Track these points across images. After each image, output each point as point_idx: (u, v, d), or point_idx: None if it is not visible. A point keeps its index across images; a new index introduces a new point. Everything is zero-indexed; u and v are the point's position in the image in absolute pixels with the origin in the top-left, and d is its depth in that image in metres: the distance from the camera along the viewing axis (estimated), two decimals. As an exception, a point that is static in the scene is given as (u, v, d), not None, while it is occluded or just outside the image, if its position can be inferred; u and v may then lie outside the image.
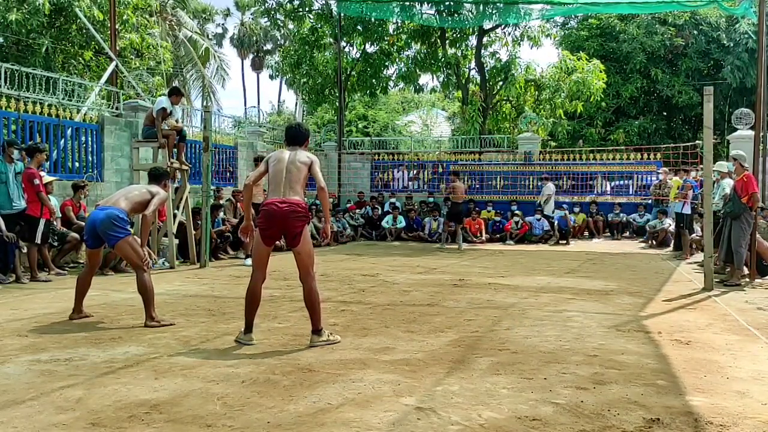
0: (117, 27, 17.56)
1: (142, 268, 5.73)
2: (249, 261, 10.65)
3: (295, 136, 5.17)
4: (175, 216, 10.69)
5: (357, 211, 18.15)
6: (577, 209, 17.68)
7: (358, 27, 21.92)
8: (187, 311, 6.36)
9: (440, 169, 20.32)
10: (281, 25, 27.06)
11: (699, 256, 11.29)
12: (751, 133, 13.55)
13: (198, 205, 11.40)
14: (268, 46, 49.26)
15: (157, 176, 6.40)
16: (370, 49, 23.06)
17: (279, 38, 45.94)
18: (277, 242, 5.18)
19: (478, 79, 23.06)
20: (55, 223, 9.47)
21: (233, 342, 4.94)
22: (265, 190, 11.66)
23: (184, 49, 30.42)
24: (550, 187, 17.24)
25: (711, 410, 3.43)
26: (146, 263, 5.81)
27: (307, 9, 23.20)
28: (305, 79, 24.34)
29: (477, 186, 19.81)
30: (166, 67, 22.39)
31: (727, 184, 9.35)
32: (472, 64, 23.32)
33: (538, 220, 16.62)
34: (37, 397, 3.59)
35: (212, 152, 12.53)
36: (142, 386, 3.79)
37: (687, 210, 12.45)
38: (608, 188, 19.14)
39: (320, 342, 4.84)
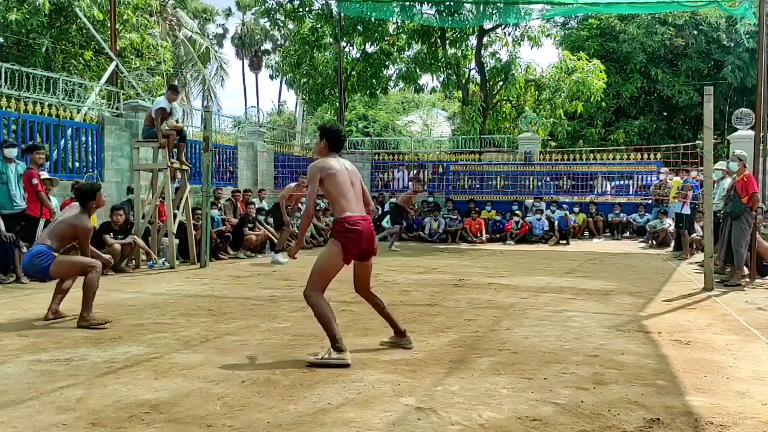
0: (117, 27, 17.58)
1: (92, 269, 5.65)
2: (280, 257, 11.10)
3: (342, 142, 4.73)
4: (175, 216, 10.68)
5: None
6: (577, 209, 17.69)
7: (358, 27, 21.93)
8: (187, 311, 6.36)
9: (440, 169, 20.32)
10: (281, 25, 27.06)
11: (699, 256, 11.28)
12: (752, 133, 13.54)
13: (198, 205, 11.40)
14: (268, 46, 49.25)
15: (82, 196, 5.81)
16: (370, 49, 23.07)
17: (279, 38, 45.92)
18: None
19: (478, 79, 23.07)
20: (54, 223, 9.46)
21: (234, 342, 4.93)
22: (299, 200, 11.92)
23: (184, 49, 30.43)
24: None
25: (711, 410, 3.43)
26: (96, 265, 5.70)
27: (307, 9, 23.20)
28: (305, 79, 24.35)
29: (477, 186, 19.82)
30: (166, 67, 22.39)
31: (728, 183, 9.35)
32: (472, 64, 23.32)
33: (539, 220, 16.63)
34: (37, 397, 3.59)
35: (212, 152, 12.54)
36: (142, 386, 3.79)
37: (687, 210, 12.45)
38: (608, 188, 19.14)
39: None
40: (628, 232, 17.53)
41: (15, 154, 8.65)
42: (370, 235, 4.57)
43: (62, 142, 11.94)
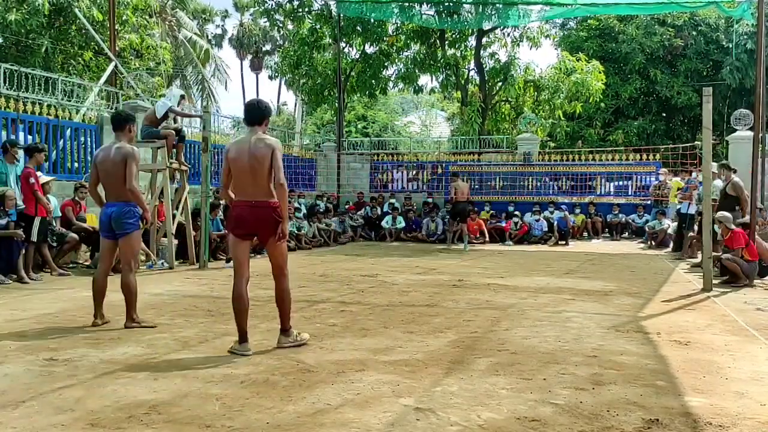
0: (116, 27, 17.57)
1: (132, 267, 5.56)
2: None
3: (120, 121, 4.90)
4: (174, 217, 10.68)
5: (357, 212, 18.16)
6: (576, 210, 17.69)
7: (358, 28, 21.91)
8: (186, 311, 6.35)
9: (439, 170, 20.32)
10: (280, 25, 27.06)
11: (699, 257, 11.28)
12: (750, 133, 13.55)
13: (197, 206, 11.39)
14: (267, 47, 49.19)
15: (120, 121, 5.54)
16: (369, 49, 23.06)
17: (278, 39, 45.86)
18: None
19: (478, 79, 23.07)
20: (53, 222, 9.46)
21: (233, 342, 4.92)
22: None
23: (184, 50, 30.42)
24: None
25: (710, 411, 3.44)
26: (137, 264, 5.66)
27: (306, 9, 23.20)
28: (305, 80, 24.34)
29: (476, 187, 19.81)
30: (165, 67, 22.39)
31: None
32: (472, 65, 23.33)
33: (537, 221, 16.63)
34: (36, 397, 3.59)
35: (211, 153, 12.52)
36: (141, 386, 3.79)
37: (692, 210, 12.39)
38: (611, 188, 19.09)
39: (288, 342, 4.78)
40: (627, 233, 17.53)
41: (20, 154, 8.71)
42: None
43: (61, 142, 11.92)
